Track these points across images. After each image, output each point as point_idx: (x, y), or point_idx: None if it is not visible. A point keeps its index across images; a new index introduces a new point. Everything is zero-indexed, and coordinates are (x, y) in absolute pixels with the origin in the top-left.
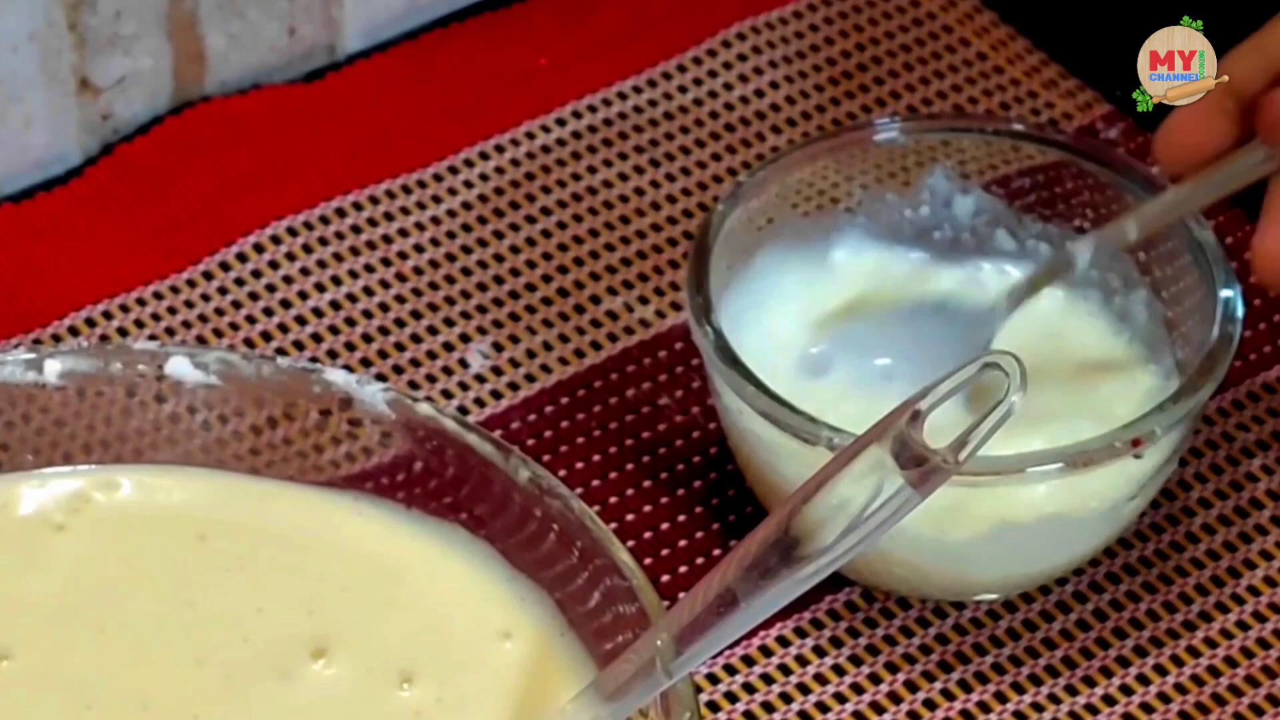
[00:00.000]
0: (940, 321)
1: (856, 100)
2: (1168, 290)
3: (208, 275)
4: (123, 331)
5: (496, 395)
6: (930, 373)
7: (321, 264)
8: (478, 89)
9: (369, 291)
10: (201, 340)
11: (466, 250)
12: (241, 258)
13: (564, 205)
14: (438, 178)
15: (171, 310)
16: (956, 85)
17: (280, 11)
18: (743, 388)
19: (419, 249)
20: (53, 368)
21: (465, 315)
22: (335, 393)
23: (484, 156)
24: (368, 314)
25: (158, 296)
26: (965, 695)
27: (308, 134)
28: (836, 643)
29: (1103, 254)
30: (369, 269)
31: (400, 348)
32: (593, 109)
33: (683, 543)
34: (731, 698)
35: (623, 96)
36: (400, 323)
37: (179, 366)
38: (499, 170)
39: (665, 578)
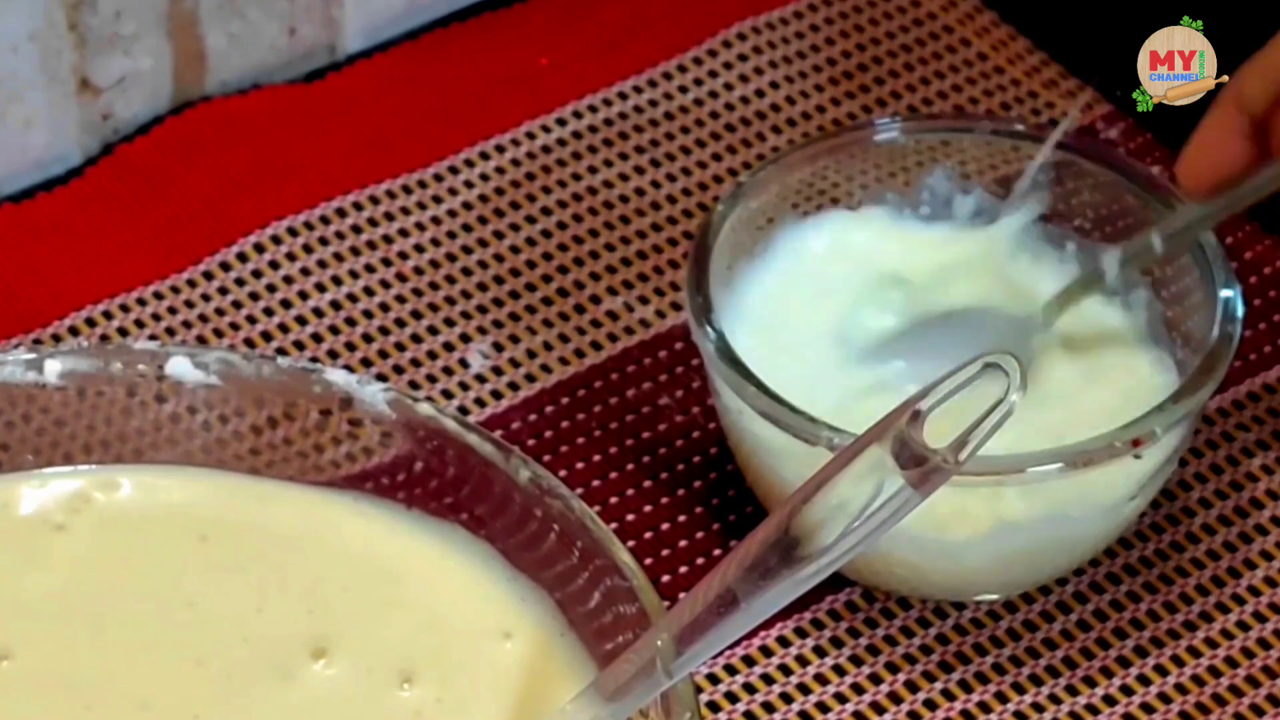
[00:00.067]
0: (976, 331)
1: (856, 100)
2: (1168, 290)
3: (208, 275)
4: (123, 331)
5: (497, 395)
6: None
7: (322, 264)
8: (478, 89)
9: (369, 291)
10: (202, 340)
11: (467, 250)
12: (242, 258)
13: (564, 205)
14: (438, 178)
15: (172, 310)
16: (957, 85)
17: (280, 11)
18: (743, 388)
19: (419, 249)
20: (53, 368)
21: (466, 315)
22: (336, 393)
23: (484, 156)
24: (368, 314)
25: (158, 296)
26: (965, 695)
27: (308, 134)
28: (837, 643)
29: (1129, 267)
30: (369, 269)
31: (400, 348)
32: (593, 109)
33: (683, 543)
34: (732, 698)
35: (623, 96)
36: (400, 323)
37: (179, 366)
38: (499, 170)
39: (665, 578)
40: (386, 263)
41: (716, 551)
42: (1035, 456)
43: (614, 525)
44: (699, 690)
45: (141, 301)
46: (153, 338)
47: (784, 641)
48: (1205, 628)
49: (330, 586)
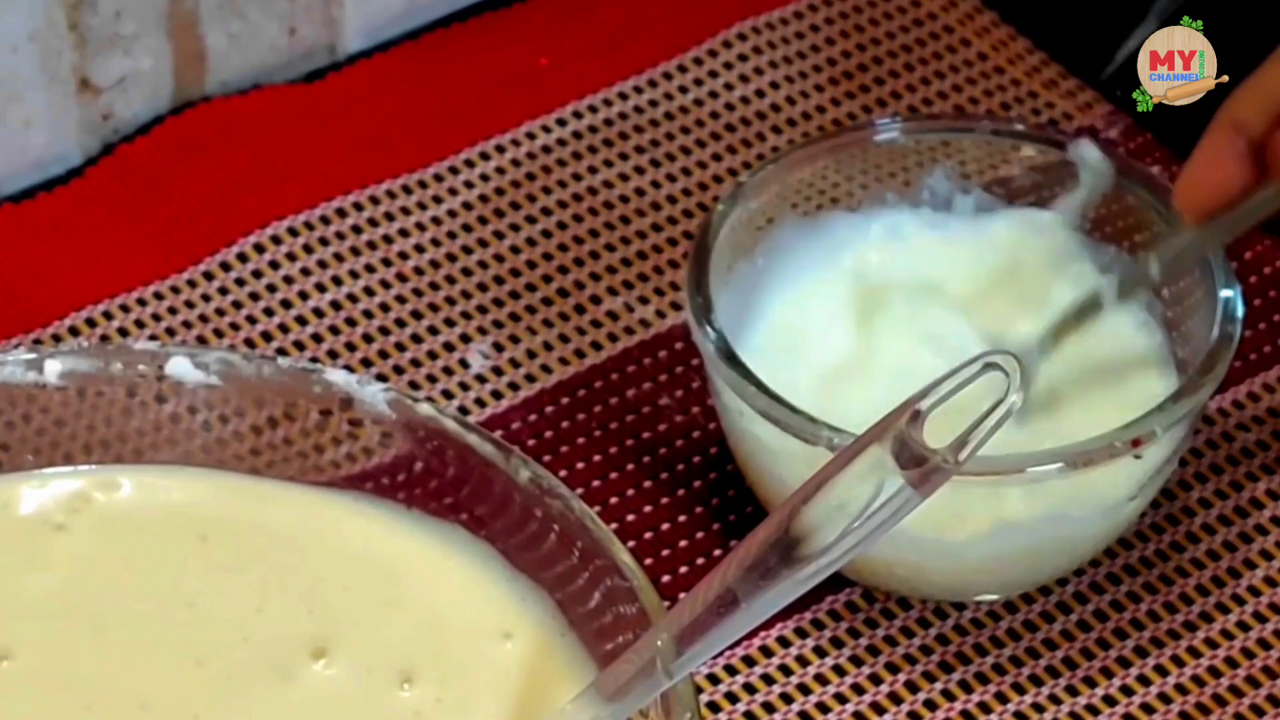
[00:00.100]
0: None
1: (856, 100)
2: (1168, 290)
3: (208, 275)
4: (123, 331)
5: (497, 395)
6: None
7: (322, 264)
8: (478, 89)
9: (369, 292)
10: (202, 340)
11: (467, 250)
12: (242, 258)
13: (564, 205)
14: (438, 178)
15: (172, 310)
16: (957, 85)
17: (280, 11)
18: (743, 388)
19: (419, 249)
20: (53, 368)
21: (466, 315)
22: (336, 393)
23: (484, 157)
24: (368, 314)
25: (158, 296)
26: (966, 696)
27: (308, 134)
28: (837, 643)
29: (1128, 293)
30: (369, 269)
31: (401, 348)
32: (593, 109)
33: (683, 543)
34: (732, 698)
35: (623, 96)
36: (401, 323)
37: (179, 366)
38: (499, 170)
39: (666, 578)
40: (387, 263)
41: (716, 551)
42: (1035, 456)
43: (614, 525)
44: (699, 690)
45: (141, 301)
46: (153, 338)
47: (784, 642)
48: (1205, 628)
49: (330, 586)
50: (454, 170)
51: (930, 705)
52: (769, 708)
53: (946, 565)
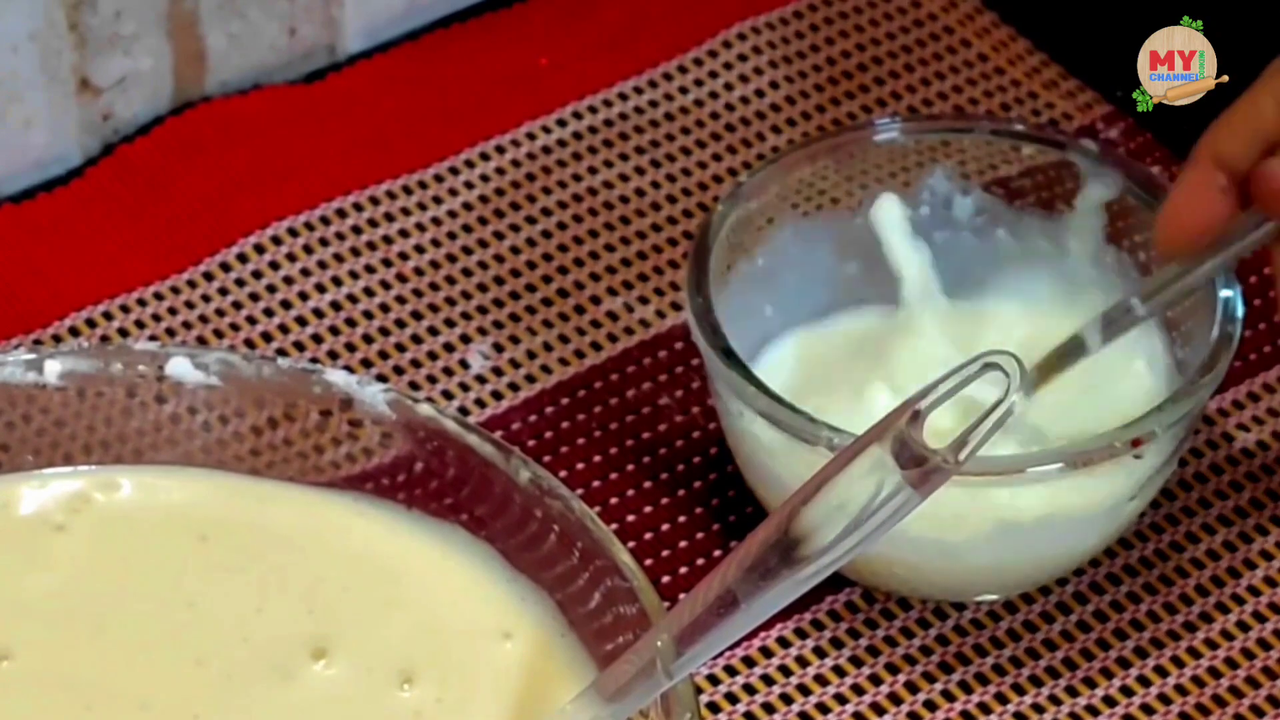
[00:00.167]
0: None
1: (856, 100)
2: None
3: (208, 276)
4: (123, 332)
5: (497, 396)
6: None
7: (322, 264)
8: (478, 89)
9: (369, 292)
10: (202, 341)
11: (467, 251)
12: (242, 258)
13: (564, 206)
14: (438, 178)
15: (172, 311)
16: (957, 86)
17: (280, 11)
18: (743, 388)
19: (419, 249)
20: (53, 368)
21: (466, 316)
22: (336, 393)
23: (484, 157)
24: (368, 314)
25: (158, 297)
26: (965, 696)
27: (308, 134)
28: (837, 644)
29: (1113, 333)
30: (369, 269)
31: (401, 348)
32: (593, 109)
33: (683, 543)
34: (732, 699)
35: (623, 97)
36: (401, 323)
37: (179, 367)
38: (499, 171)
39: (666, 579)
40: (387, 263)
41: (716, 552)
42: (1035, 456)
43: (614, 526)
44: (699, 691)
45: (141, 302)
46: (153, 338)
47: (784, 642)
48: (1205, 628)
49: (330, 586)
50: (454, 170)
51: (930, 706)
52: (769, 708)
53: (946, 565)
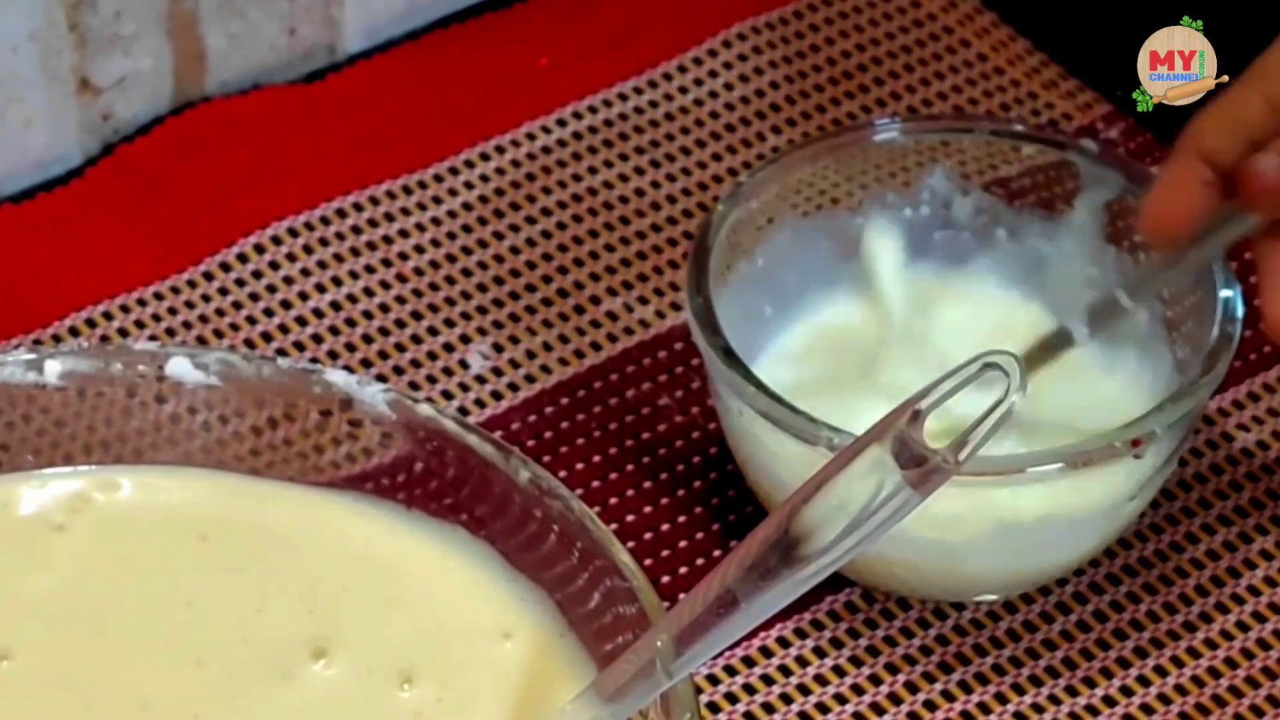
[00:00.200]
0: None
1: (856, 100)
2: (1168, 290)
3: (208, 275)
4: (123, 332)
5: (497, 396)
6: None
7: (322, 264)
8: (478, 89)
9: (369, 292)
10: (202, 341)
11: (467, 251)
12: (242, 258)
13: (564, 206)
14: (438, 178)
15: (172, 311)
16: (957, 86)
17: (280, 11)
18: (743, 388)
19: (419, 249)
20: (53, 368)
21: (466, 316)
22: (336, 393)
23: (484, 157)
24: (368, 315)
25: (158, 297)
26: (965, 696)
27: (308, 134)
28: (837, 644)
29: (1099, 325)
30: (369, 269)
31: (401, 348)
32: (593, 109)
33: (683, 543)
34: (732, 699)
35: (623, 97)
36: (401, 323)
37: (179, 367)
38: (499, 171)
39: (665, 579)
40: (386, 263)
41: (716, 552)
42: (1035, 456)
43: (614, 526)
44: (699, 691)
45: (141, 302)
46: (153, 338)
47: (784, 642)
48: (1205, 629)
49: (330, 586)
50: (454, 170)
51: (930, 706)
52: (768, 708)
53: (946, 565)
